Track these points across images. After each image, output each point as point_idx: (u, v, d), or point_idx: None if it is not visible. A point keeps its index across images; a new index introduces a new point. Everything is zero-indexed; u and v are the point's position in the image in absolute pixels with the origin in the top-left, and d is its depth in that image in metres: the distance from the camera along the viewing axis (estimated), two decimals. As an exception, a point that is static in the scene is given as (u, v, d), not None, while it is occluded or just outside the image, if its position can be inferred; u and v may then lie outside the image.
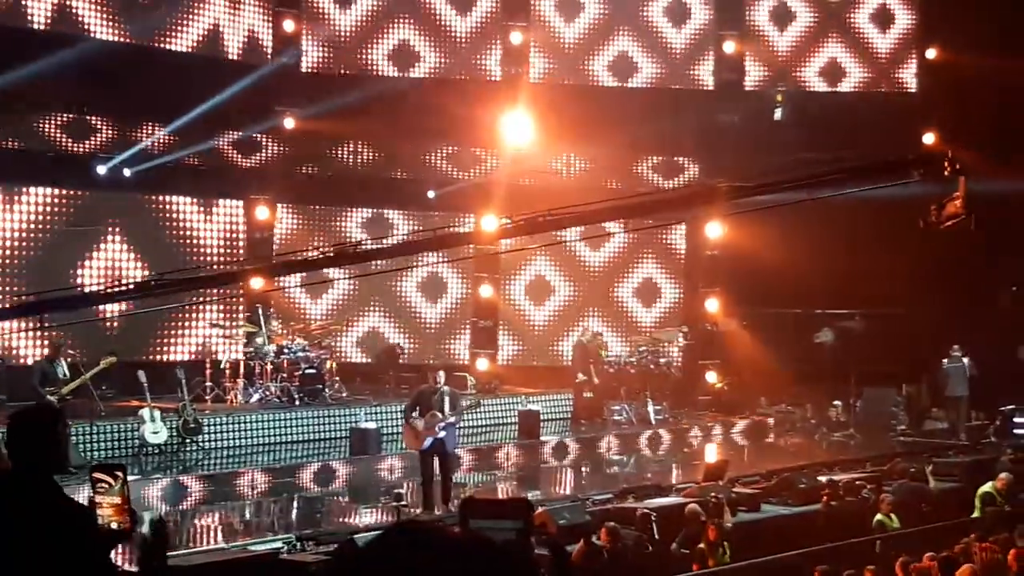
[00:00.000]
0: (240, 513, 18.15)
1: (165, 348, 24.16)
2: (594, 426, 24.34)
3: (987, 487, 17.03)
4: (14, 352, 21.92)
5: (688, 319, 27.85)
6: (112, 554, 6.02)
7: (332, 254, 11.18)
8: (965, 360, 24.07)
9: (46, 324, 11.51)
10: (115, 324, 22.63)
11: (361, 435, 20.59)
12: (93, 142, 23.60)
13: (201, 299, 23.96)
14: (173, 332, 24.27)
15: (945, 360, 24.29)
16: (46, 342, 19.58)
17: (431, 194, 25.92)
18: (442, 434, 16.30)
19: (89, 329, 22.14)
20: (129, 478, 5.65)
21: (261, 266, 11.00)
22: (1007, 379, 23.59)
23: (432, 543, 2.69)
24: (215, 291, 22.65)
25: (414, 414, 16.50)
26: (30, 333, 21.65)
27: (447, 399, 16.41)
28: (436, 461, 16.45)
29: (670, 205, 12.64)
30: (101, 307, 19.44)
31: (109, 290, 11.13)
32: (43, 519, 5.08)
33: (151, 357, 23.51)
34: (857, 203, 24.73)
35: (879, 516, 15.66)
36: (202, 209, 24.76)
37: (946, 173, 10.18)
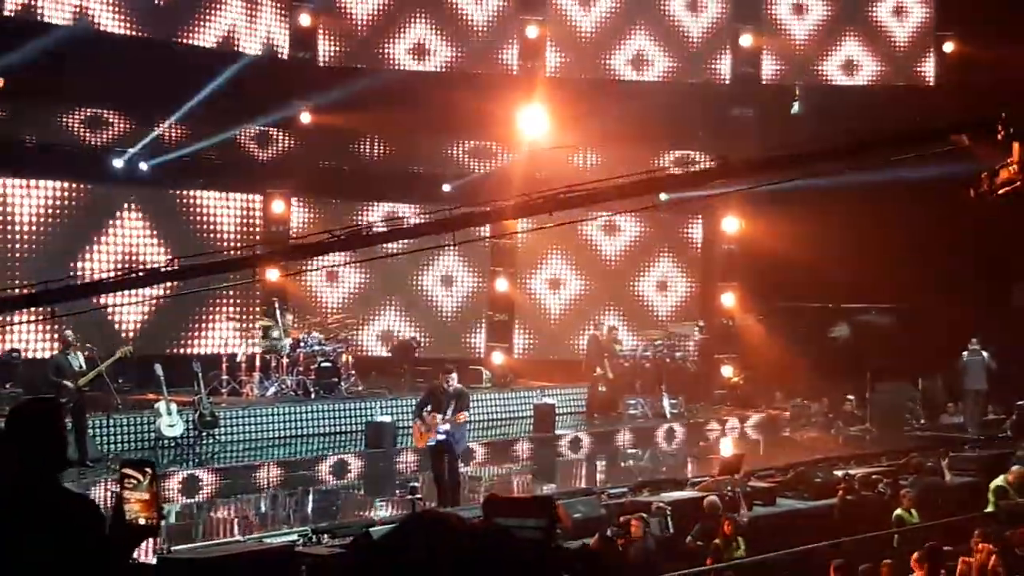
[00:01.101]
0: (256, 506, 18.21)
1: (182, 342, 24.24)
2: (609, 420, 24.34)
3: (999, 480, 17.01)
4: (30, 345, 22.05)
5: (704, 313, 27.84)
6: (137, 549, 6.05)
7: (343, 237, 10.99)
8: (984, 353, 24.01)
9: (56, 314, 11.41)
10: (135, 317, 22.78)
11: (376, 429, 20.64)
12: (110, 136, 23.67)
13: (218, 292, 24.10)
14: (190, 325, 24.35)
15: (964, 352, 24.24)
16: (57, 336, 19.58)
17: (447, 187, 25.93)
18: (442, 437, 16.11)
19: (105, 322, 22.31)
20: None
21: (272, 250, 10.85)
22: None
23: (448, 532, 2.69)
24: (232, 284, 22.73)
25: (425, 412, 16.35)
26: (45, 326, 21.79)
27: (453, 402, 16.22)
28: (445, 459, 16.32)
29: (693, 180, 11.82)
30: (116, 300, 19.52)
31: (120, 278, 10.97)
32: (47, 516, 5.10)
33: (168, 351, 23.61)
34: (874, 198, 24.74)
35: (899, 511, 15.62)
36: (219, 202, 24.81)
37: (999, 137, 9.62)
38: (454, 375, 16.66)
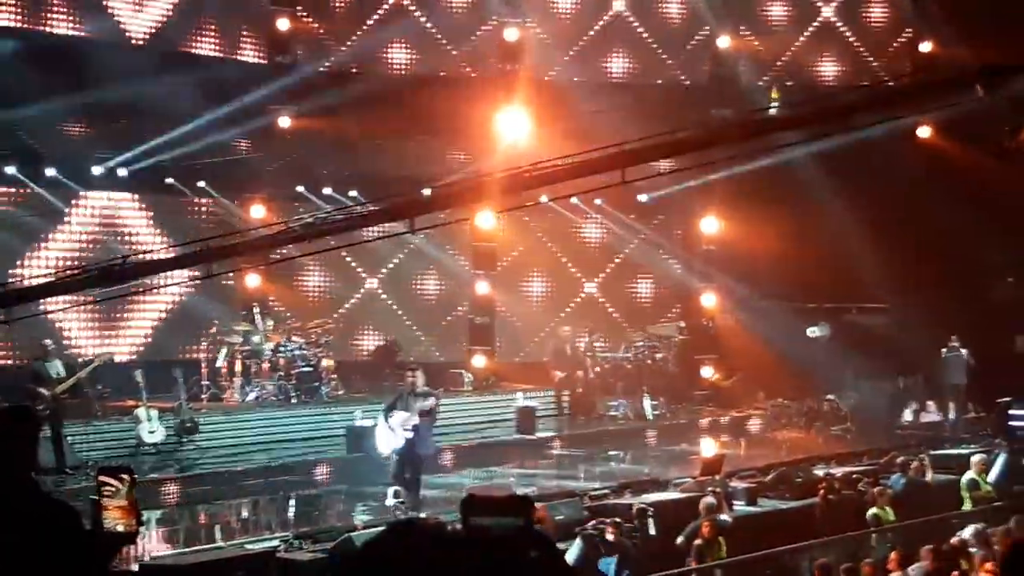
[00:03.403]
0: (237, 512, 18.15)
1: (162, 347, 24.18)
2: (590, 421, 24.35)
3: (969, 475, 17.13)
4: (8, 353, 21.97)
5: (684, 314, 27.87)
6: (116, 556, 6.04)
7: (298, 229, 10.77)
8: (963, 351, 24.13)
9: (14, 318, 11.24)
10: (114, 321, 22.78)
11: (358, 433, 20.57)
12: (91, 141, 23.58)
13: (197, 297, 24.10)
14: (169, 330, 24.30)
15: (944, 350, 24.37)
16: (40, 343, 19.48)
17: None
18: (410, 434, 15.96)
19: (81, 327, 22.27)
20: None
21: (225, 244, 10.51)
22: (1004, 372, 23.62)
23: (432, 541, 2.69)
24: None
25: (390, 415, 16.18)
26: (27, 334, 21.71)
27: (419, 400, 16.08)
28: (410, 463, 16.15)
29: (679, 148, 10.74)
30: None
31: (70, 278, 10.76)
32: (25, 519, 5.08)
33: (147, 356, 23.56)
34: (851, 199, 24.82)
35: (874, 509, 15.66)
36: (198, 207, 24.75)
37: (1020, 87, 9.09)
38: (419, 373, 16.48)
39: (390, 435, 16.09)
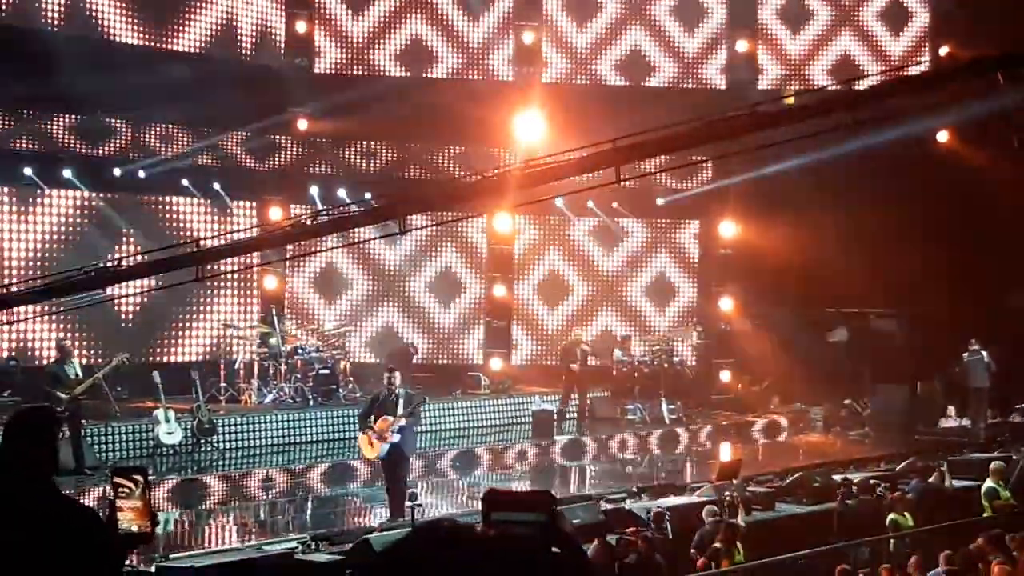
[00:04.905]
0: (255, 513, 18.17)
1: (179, 349, 24.25)
2: (607, 424, 24.32)
3: (988, 483, 17.03)
4: (28, 354, 22.05)
5: (702, 318, 27.83)
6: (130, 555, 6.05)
7: (289, 227, 10.60)
8: (983, 353, 24.02)
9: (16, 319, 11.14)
10: (129, 323, 22.86)
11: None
12: (107, 144, 23.64)
13: (215, 299, 24.17)
14: (187, 333, 24.36)
15: (965, 354, 24.26)
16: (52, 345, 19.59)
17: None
18: (396, 438, 15.59)
19: (100, 328, 22.32)
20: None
21: (219, 247, 10.30)
22: (1022, 377, 23.53)
23: (460, 542, 2.68)
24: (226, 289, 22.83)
25: (369, 420, 15.81)
26: (44, 335, 21.82)
27: (401, 401, 15.69)
28: (399, 466, 15.79)
29: (677, 143, 9.74)
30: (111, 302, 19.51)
31: (67, 280, 10.62)
32: (45, 519, 5.09)
33: (165, 358, 23.62)
34: (870, 202, 24.75)
35: (893, 515, 15.61)
36: (215, 211, 24.81)
37: None
38: (397, 375, 16.14)
39: (376, 441, 15.75)
